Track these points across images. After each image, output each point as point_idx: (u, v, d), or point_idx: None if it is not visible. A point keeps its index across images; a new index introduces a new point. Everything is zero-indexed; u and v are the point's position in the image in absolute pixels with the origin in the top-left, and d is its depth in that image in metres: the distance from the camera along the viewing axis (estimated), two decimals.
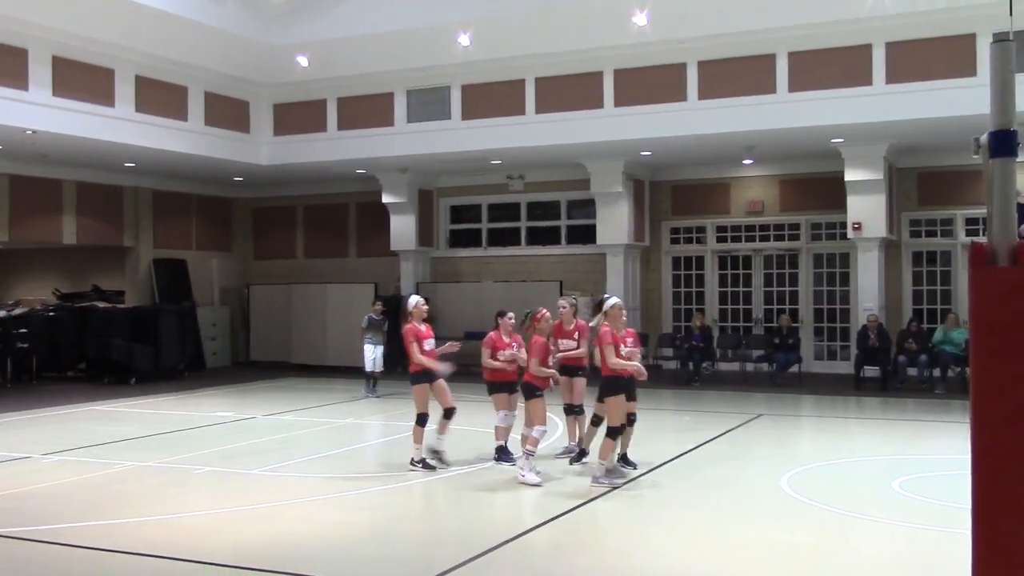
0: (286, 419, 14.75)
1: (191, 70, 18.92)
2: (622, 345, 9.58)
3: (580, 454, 10.65)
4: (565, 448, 11.19)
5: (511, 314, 10.65)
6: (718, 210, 21.38)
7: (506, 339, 10.46)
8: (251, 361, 23.57)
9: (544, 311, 10.20)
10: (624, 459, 10.28)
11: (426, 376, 10.35)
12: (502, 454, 10.71)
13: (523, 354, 10.28)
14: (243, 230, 25.83)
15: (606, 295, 10.29)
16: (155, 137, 18.47)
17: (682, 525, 8.23)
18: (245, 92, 20.48)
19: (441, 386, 10.43)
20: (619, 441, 9.79)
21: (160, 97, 18.56)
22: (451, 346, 10.83)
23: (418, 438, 10.40)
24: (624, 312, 9.90)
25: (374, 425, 14.69)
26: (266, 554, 7.33)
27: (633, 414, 10.11)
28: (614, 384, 9.50)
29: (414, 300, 10.77)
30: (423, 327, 10.55)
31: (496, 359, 10.34)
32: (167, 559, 7.15)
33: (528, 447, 9.70)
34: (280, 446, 12.28)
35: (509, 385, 10.50)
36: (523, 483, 9.54)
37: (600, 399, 9.89)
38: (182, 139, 19.05)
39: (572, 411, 11.05)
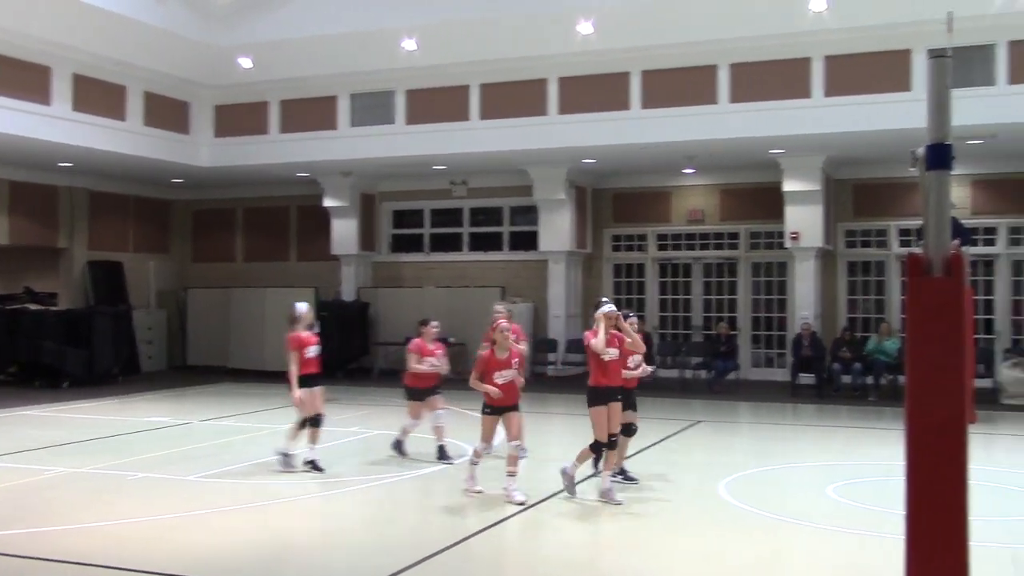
0: (223, 424, 14.55)
1: (131, 69, 18.60)
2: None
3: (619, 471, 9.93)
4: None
5: (435, 322, 11.30)
6: (659, 218, 21.58)
7: (430, 346, 11.04)
8: (188, 365, 23.20)
9: (502, 321, 9.55)
10: (623, 473, 9.92)
11: (304, 381, 10.62)
12: (397, 448, 11.38)
13: (445, 363, 11.07)
14: (181, 232, 25.44)
15: (604, 299, 9.54)
16: (92, 137, 18.13)
17: (619, 531, 8.27)
18: (186, 93, 20.19)
19: (319, 393, 10.80)
20: (605, 455, 9.13)
21: (98, 96, 18.22)
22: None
23: (307, 437, 10.74)
24: (634, 320, 9.59)
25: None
26: (201, 563, 7.22)
27: (632, 424, 9.81)
28: (598, 394, 9.02)
29: (300, 307, 10.97)
30: (308, 334, 10.82)
31: (421, 365, 10.92)
32: (96, 567, 7.00)
33: (510, 468, 9.16)
34: (217, 452, 12.10)
35: (427, 391, 11.11)
36: (510, 502, 8.95)
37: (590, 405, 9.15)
38: (120, 139, 18.72)
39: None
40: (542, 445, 13.34)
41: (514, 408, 9.29)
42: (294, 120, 20.18)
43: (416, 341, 11.11)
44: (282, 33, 18.85)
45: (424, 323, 11.28)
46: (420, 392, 11.15)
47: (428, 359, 11.00)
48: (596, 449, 9.07)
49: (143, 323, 22.71)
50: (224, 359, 22.48)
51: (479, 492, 9.36)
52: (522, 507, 8.83)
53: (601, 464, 9.39)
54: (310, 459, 10.65)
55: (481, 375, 9.16)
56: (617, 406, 9.11)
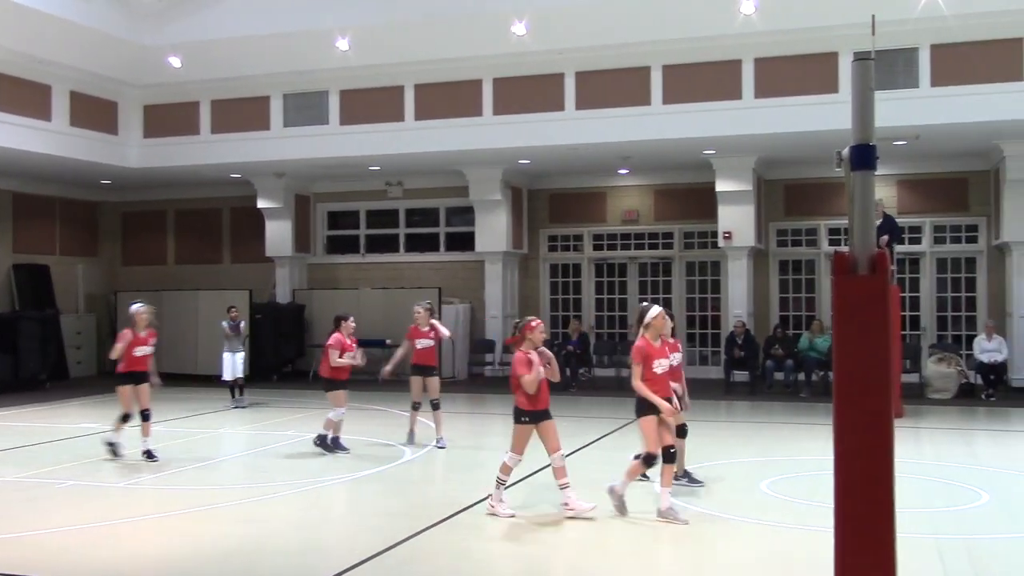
0: (155, 430, 14.24)
1: (55, 68, 18.16)
2: (657, 360, 8.39)
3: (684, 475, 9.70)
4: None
5: (352, 317, 12.24)
6: (595, 219, 21.73)
7: (348, 341, 11.91)
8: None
9: (538, 321, 8.73)
10: (687, 476, 9.61)
11: (130, 378, 11.51)
12: (336, 444, 11.93)
13: (361, 357, 11.88)
14: (110, 235, 24.94)
15: (646, 303, 9.12)
16: (15, 137, 17.65)
17: (558, 528, 8.31)
18: (113, 92, 19.78)
19: (144, 389, 11.59)
20: (663, 469, 8.42)
21: (21, 95, 17.76)
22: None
23: (141, 430, 11.59)
24: (670, 320, 8.89)
25: (245, 435, 14.35)
26: (133, 571, 7.09)
27: (683, 425, 9.40)
28: (647, 403, 8.32)
29: (134, 308, 11.77)
30: (142, 333, 11.65)
31: (343, 359, 11.72)
32: None
33: (501, 475, 8.61)
34: (148, 458, 11.86)
35: (345, 383, 11.92)
36: (493, 514, 8.53)
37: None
38: (45, 140, 18.27)
39: (417, 407, 12.45)
40: (475, 448, 13.38)
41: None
42: (226, 120, 19.90)
43: (337, 336, 11.90)
44: (212, 32, 18.55)
45: (344, 318, 12.11)
46: (341, 383, 11.96)
47: (348, 353, 11.86)
48: (649, 462, 8.34)
49: (72, 328, 22.23)
50: (156, 363, 21.98)
51: (511, 516, 8.50)
52: (457, 512, 8.82)
53: (657, 477, 8.71)
54: (146, 449, 11.46)
55: (522, 378, 8.32)
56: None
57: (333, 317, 12.45)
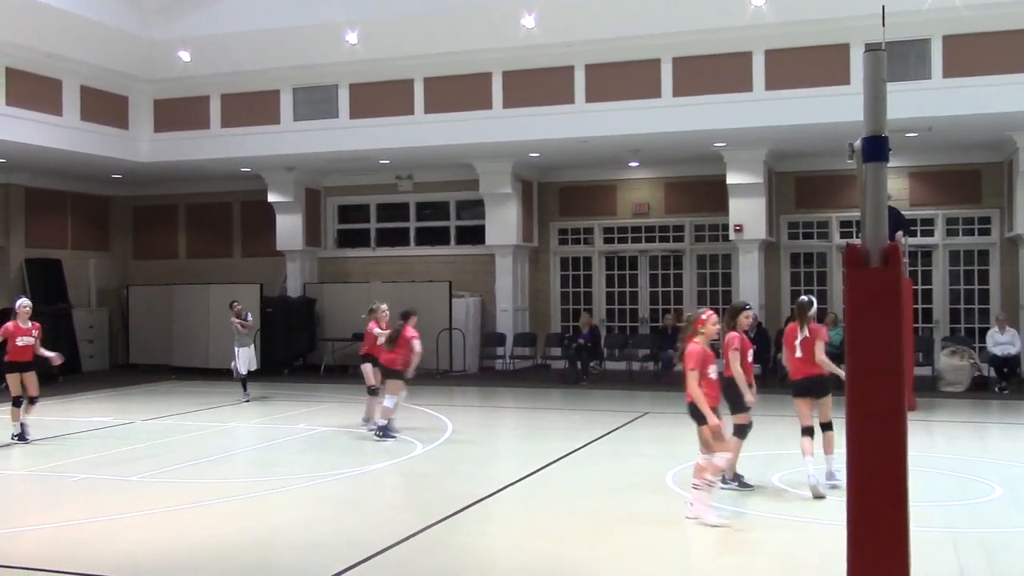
0: (166, 424, 14.33)
1: (66, 63, 18.20)
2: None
3: (735, 478, 9.40)
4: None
5: (384, 306, 13.26)
6: (605, 211, 21.69)
7: (415, 333, 12.33)
8: (130, 364, 22.84)
9: (710, 313, 8.41)
10: (736, 478, 9.37)
11: (16, 367, 12.39)
12: (386, 432, 12.35)
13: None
14: (122, 229, 25.01)
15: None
16: (27, 132, 17.70)
17: (567, 524, 8.30)
18: (124, 87, 19.82)
19: (31, 377, 12.48)
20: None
21: (33, 90, 17.81)
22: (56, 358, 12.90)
23: (15, 416, 12.45)
24: (751, 314, 9.21)
25: (256, 429, 14.37)
26: (145, 564, 7.11)
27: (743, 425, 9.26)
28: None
29: (19, 302, 12.91)
30: (25, 325, 12.57)
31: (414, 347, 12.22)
32: (41, 571, 6.86)
33: (707, 476, 8.12)
34: (160, 452, 11.91)
35: (402, 373, 12.26)
36: (701, 523, 7.93)
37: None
38: (57, 134, 18.32)
39: (375, 392, 13.07)
40: (491, 438, 13.39)
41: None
42: (236, 114, 19.92)
43: (408, 329, 12.45)
44: (222, 27, 18.57)
45: (411, 314, 12.68)
46: (398, 373, 12.37)
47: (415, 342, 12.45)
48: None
49: (84, 322, 22.31)
50: (167, 357, 22.15)
51: (725, 525, 7.92)
52: (467, 507, 8.82)
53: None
54: (18, 432, 12.43)
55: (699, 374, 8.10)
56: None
57: (400, 312, 12.84)
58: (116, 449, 12.06)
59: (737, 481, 9.34)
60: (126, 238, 25.07)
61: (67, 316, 20.92)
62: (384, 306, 13.41)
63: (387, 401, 12.32)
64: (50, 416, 15.07)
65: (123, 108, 19.99)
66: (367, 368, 13.30)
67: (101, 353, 23.05)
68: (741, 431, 9.27)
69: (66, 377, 20.12)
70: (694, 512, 7.99)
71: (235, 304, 16.95)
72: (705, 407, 8.01)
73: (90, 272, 23.69)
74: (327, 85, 19.21)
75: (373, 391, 13.16)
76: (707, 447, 8.10)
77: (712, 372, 8.19)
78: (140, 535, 7.94)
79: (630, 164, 20.82)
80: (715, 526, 7.81)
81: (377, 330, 13.16)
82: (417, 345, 12.22)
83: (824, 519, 7.96)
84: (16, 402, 12.44)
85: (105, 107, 19.46)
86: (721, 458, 8.11)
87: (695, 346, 8.16)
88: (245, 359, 16.62)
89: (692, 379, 8.06)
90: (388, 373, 12.41)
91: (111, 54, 18.69)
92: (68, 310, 21.12)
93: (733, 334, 9.20)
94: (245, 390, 16.80)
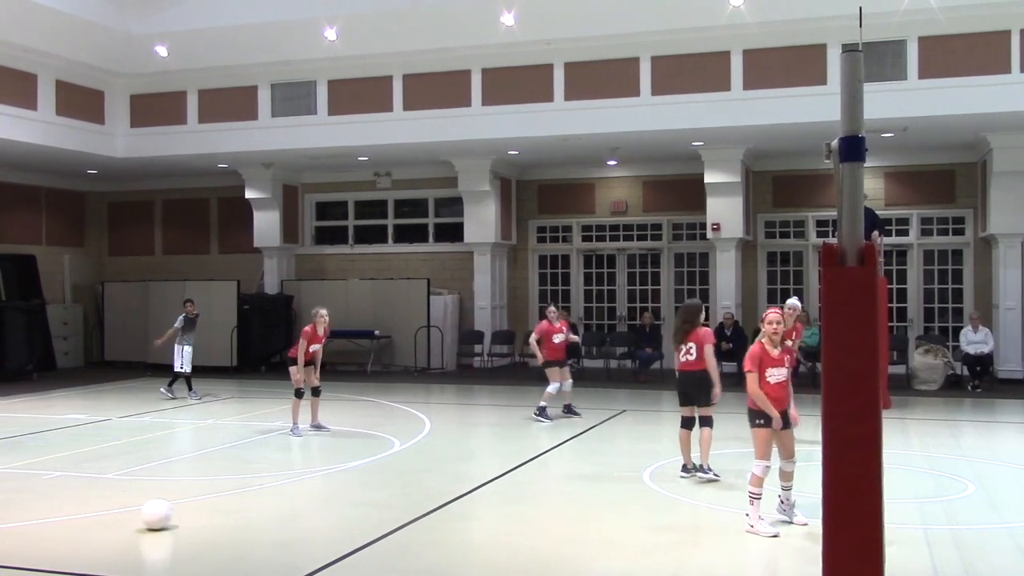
0: (143, 421, 14.25)
1: (42, 57, 18.04)
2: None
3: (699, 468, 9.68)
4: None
5: (324, 311, 13.06)
6: (583, 210, 21.74)
7: (558, 325, 13.93)
8: (106, 361, 22.67)
9: (775, 312, 7.98)
10: (700, 468, 9.53)
11: None
12: (542, 413, 13.69)
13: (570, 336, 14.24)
14: (97, 225, 24.82)
15: (796, 299, 9.37)
16: (1, 126, 17.52)
17: (546, 520, 8.32)
18: (100, 82, 19.66)
19: None
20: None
21: (7, 84, 17.63)
22: None
23: None
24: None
25: (234, 426, 14.31)
26: (120, 562, 7.07)
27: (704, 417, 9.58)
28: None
29: None
30: None
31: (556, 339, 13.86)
32: (14, 569, 6.81)
33: (751, 488, 7.77)
34: (137, 449, 11.85)
35: (560, 362, 13.96)
36: (752, 533, 7.66)
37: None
38: (31, 129, 18.15)
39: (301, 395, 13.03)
40: (469, 436, 13.39)
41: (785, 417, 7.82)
42: (213, 110, 19.81)
43: (542, 324, 14.10)
44: (200, 22, 18.45)
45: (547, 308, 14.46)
46: (557, 362, 13.92)
47: (557, 336, 13.97)
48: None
49: (58, 318, 22.13)
50: (143, 354, 21.94)
51: (774, 536, 7.57)
52: (445, 504, 8.82)
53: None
54: None
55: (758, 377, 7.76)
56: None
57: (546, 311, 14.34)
58: (92, 446, 11.98)
59: (700, 470, 9.66)
60: (102, 234, 24.88)
61: (41, 312, 20.74)
62: (324, 311, 13.10)
63: (551, 388, 13.79)
64: (25, 413, 14.96)
65: (99, 103, 19.84)
66: (293, 370, 13.02)
67: (76, 350, 22.87)
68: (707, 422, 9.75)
69: (41, 374, 19.97)
70: (749, 526, 7.72)
71: (188, 303, 17.01)
72: (767, 405, 7.66)
73: (65, 268, 23.50)
74: (305, 81, 19.14)
75: (300, 394, 12.96)
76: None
77: (770, 375, 7.78)
78: (115, 533, 7.89)
79: (609, 162, 20.87)
80: (771, 536, 7.53)
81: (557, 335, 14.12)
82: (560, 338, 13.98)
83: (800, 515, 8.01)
84: None
85: (81, 102, 19.30)
86: (758, 466, 7.79)
87: (753, 347, 7.89)
88: (190, 357, 16.63)
89: (751, 381, 7.76)
90: (548, 364, 13.91)
91: (87, 48, 18.53)
92: (42, 306, 20.94)
93: (708, 329, 9.75)
94: (191, 388, 16.67)
